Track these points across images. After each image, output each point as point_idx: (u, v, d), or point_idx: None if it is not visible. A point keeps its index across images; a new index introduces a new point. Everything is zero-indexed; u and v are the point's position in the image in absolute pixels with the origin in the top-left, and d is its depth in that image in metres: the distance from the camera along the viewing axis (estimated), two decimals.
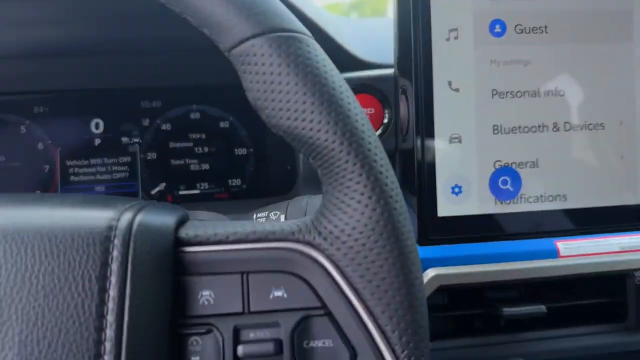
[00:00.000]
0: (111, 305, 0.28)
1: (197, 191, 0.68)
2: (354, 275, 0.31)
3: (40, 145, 0.66)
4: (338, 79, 0.32)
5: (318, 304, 0.31)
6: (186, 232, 0.32)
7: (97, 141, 0.67)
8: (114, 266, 0.29)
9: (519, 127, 0.56)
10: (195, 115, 0.69)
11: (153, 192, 0.68)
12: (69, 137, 0.67)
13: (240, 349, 0.30)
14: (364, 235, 0.31)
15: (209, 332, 0.31)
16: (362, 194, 0.31)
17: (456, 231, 0.55)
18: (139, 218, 0.31)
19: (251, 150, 0.69)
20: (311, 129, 0.31)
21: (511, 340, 0.53)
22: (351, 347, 0.31)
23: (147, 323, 0.29)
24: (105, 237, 0.29)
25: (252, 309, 0.31)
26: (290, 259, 0.32)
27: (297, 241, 0.32)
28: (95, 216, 0.30)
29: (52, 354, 0.27)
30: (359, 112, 0.32)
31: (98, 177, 0.67)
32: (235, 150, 0.69)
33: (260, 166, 0.69)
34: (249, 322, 0.31)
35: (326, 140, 0.31)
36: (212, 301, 0.31)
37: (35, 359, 0.27)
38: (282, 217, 0.46)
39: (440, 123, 0.53)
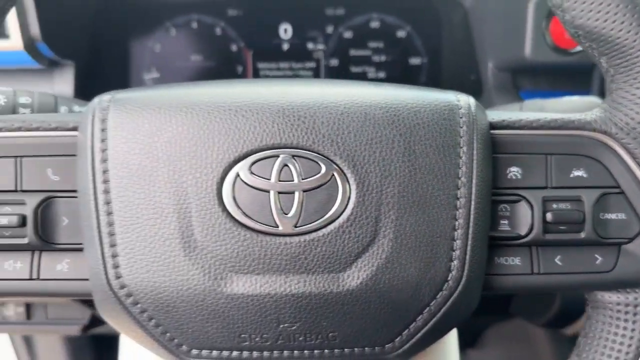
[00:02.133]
0: (464, 169, 0.34)
1: None
2: None
3: (233, 47, 0.72)
4: None
5: (613, 184, 0.37)
6: (492, 117, 0.38)
7: (286, 46, 0.72)
8: (465, 138, 0.34)
9: None
10: (375, 24, 0.72)
11: None
12: (260, 40, 0.71)
13: (549, 216, 0.36)
14: None
15: (517, 201, 0.37)
16: None
17: None
18: (471, 101, 0.36)
19: (425, 60, 0.73)
20: (619, 30, 0.35)
21: None
22: None
23: (486, 187, 0.35)
24: (454, 113, 0.35)
25: (554, 185, 0.37)
26: (589, 145, 0.37)
27: (595, 130, 0.37)
28: (438, 96, 0.36)
29: (421, 205, 0.33)
30: None
31: None
32: (410, 59, 0.73)
33: (435, 76, 0.73)
34: (552, 195, 0.37)
35: (633, 40, 0.35)
36: (519, 176, 0.37)
37: (404, 213, 0.33)
38: None
39: None
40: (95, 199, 0.33)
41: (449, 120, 0.34)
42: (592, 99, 0.49)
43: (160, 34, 0.71)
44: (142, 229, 0.33)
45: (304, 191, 0.33)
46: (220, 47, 0.71)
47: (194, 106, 0.34)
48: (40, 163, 0.36)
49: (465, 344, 0.85)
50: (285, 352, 0.34)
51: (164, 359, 0.36)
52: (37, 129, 0.36)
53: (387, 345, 0.35)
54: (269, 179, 0.33)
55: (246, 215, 0.33)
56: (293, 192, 0.33)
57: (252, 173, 0.33)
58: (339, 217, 0.33)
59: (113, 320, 0.35)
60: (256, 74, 0.72)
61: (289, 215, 0.33)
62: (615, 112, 0.37)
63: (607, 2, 0.35)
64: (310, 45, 0.72)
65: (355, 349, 0.35)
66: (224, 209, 0.33)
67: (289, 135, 0.33)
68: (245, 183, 0.33)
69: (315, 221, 0.33)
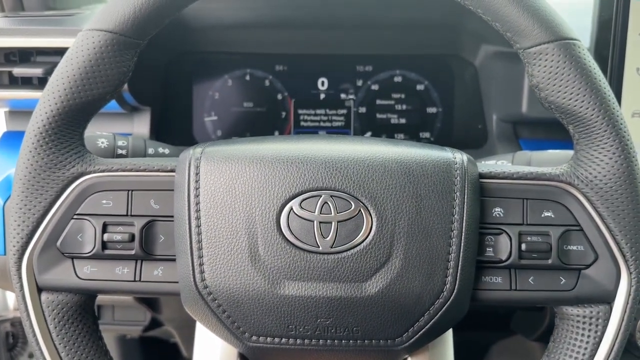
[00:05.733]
0: (457, 209, 0.46)
1: None
2: (601, 206, 0.47)
3: (279, 96, 0.85)
4: (600, 73, 0.47)
5: (575, 223, 0.48)
6: (483, 169, 0.49)
7: (322, 96, 0.85)
8: (458, 186, 0.46)
9: None
10: (398, 79, 0.85)
11: None
12: (301, 91, 0.85)
13: (524, 246, 0.47)
14: (612, 181, 0.47)
15: (500, 233, 0.48)
16: (613, 153, 0.46)
17: None
18: (464, 157, 0.48)
19: (440, 109, 0.85)
20: (580, 107, 0.46)
21: None
22: (595, 251, 0.47)
23: (474, 222, 0.46)
24: (451, 167, 0.47)
25: (528, 222, 0.48)
26: (556, 193, 0.48)
27: (562, 181, 0.48)
28: (440, 154, 0.48)
29: (424, 234, 0.45)
30: (613, 97, 0.47)
31: (321, 124, 0.86)
32: (427, 109, 0.85)
33: (447, 123, 0.85)
34: (527, 230, 0.48)
35: (591, 115, 0.46)
36: (502, 215, 0.48)
37: (411, 240, 0.45)
38: (509, 165, 0.62)
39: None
40: (189, 222, 0.46)
41: (447, 173, 0.46)
42: (570, 153, 0.60)
43: (219, 84, 0.85)
44: (222, 245, 0.46)
45: (339, 222, 0.45)
46: (268, 96, 0.85)
47: (261, 158, 0.47)
48: (145, 195, 0.49)
49: (473, 358, 0.94)
50: (321, 341, 0.46)
51: (230, 343, 0.48)
52: (144, 170, 0.49)
53: (396, 339, 0.46)
54: (314, 212, 0.45)
55: (296, 238, 0.45)
56: (330, 222, 0.45)
57: (301, 207, 0.45)
58: (363, 241, 0.45)
59: (195, 312, 0.47)
60: (297, 119, 0.86)
61: (327, 239, 0.45)
62: (578, 167, 0.48)
63: (571, 85, 0.46)
64: (342, 96, 0.85)
65: (373, 340, 0.46)
66: (281, 233, 0.45)
67: (329, 181, 0.46)
68: (297, 215, 0.45)
69: (346, 244, 0.45)
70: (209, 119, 0.86)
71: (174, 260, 0.48)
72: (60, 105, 0.47)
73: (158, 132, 0.82)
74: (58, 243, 0.48)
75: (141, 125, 0.79)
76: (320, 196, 0.46)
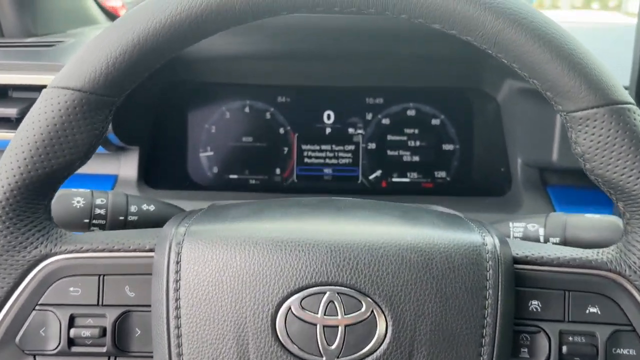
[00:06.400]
0: (489, 310, 0.38)
1: (407, 179, 0.78)
2: None
3: (281, 130, 0.78)
4: None
5: (626, 322, 0.40)
6: (517, 252, 0.42)
7: (328, 130, 0.78)
8: (491, 281, 0.39)
9: None
10: (411, 112, 0.77)
11: (371, 177, 0.78)
12: (305, 125, 0.78)
13: (565, 348, 0.40)
14: None
15: (537, 332, 0.41)
16: None
17: None
18: (496, 240, 0.40)
19: (457, 146, 0.77)
20: (635, 184, 0.39)
21: None
22: None
23: (509, 323, 0.39)
24: (481, 256, 0.39)
25: (571, 319, 0.41)
26: (604, 284, 0.41)
27: (610, 271, 0.41)
28: (466, 239, 0.40)
29: (450, 342, 0.38)
30: None
31: (327, 161, 0.78)
32: (443, 145, 0.78)
33: (466, 162, 0.77)
34: (569, 329, 0.41)
35: None
36: (539, 309, 0.41)
37: (435, 349, 0.38)
38: (541, 230, 0.55)
39: None
40: (167, 320, 0.39)
41: (477, 265, 0.39)
42: (612, 220, 0.53)
43: (216, 116, 0.78)
44: (206, 351, 0.38)
45: (347, 326, 0.38)
46: (269, 129, 0.78)
47: (254, 243, 0.39)
48: (120, 281, 0.42)
49: None
50: None
51: None
52: (118, 251, 0.42)
53: None
54: (317, 314, 0.38)
55: (295, 345, 0.38)
56: (337, 326, 0.38)
57: (302, 307, 0.38)
58: (375, 351, 0.38)
59: None
60: (300, 155, 0.78)
61: (332, 347, 0.38)
62: (629, 254, 0.41)
63: (624, 159, 0.39)
64: (350, 130, 0.78)
65: None
66: (277, 338, 0.38)
67: (335, 274, 0.38)
68: (296, 316, 0.38)
69: (355, 354, 0.38)
70: (205, 154, 0.79)
71: (152, 357, 0.41)
72: (19, 178, 0.40)
73: (148, 171, 0.75)
74: (17, 339, 0.41)
75: (128, 166, 0.72)
76: (325, 293, 0.38)
